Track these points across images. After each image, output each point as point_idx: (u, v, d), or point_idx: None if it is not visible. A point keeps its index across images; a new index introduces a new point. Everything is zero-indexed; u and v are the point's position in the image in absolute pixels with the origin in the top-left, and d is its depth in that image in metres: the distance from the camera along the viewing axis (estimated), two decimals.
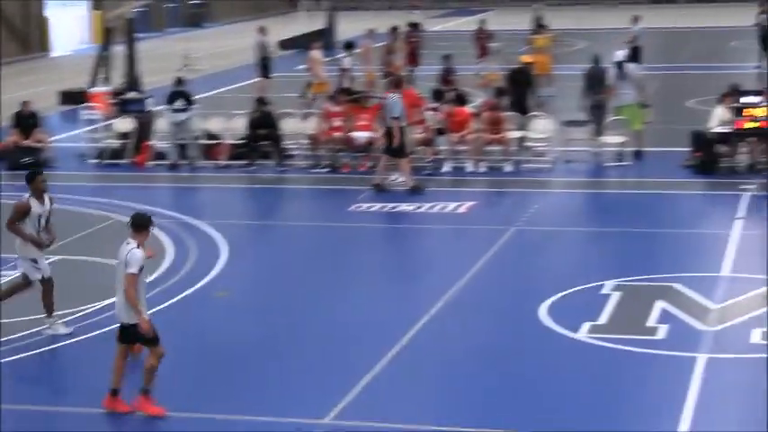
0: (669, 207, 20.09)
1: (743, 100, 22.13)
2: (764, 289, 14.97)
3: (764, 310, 14.19)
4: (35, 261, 14.13)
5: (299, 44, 47.59)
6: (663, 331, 13.66)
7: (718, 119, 22.08)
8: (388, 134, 21.26)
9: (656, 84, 31.67)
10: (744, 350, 13.04)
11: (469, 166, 22.80)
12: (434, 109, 23.79)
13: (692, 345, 13.18)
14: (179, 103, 24.30)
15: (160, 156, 24.65)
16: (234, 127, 24.80)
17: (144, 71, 31.16)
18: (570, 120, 23.87)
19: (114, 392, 11.73)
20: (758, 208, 19.40)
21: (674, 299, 14.71)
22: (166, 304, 15.04)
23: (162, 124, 25.00)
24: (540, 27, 33.62)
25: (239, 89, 35.85)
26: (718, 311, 14.27)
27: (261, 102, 24.56)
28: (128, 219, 12.08)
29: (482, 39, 34.45)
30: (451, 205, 20.23)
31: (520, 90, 24.34)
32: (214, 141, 24.66)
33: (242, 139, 24.37)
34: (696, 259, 16.74)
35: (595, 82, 23.87)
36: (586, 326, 13.85)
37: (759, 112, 21.60)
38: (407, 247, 18.67)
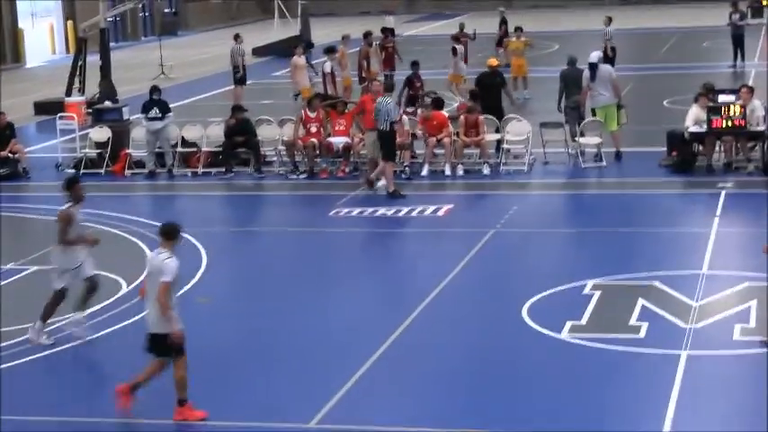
0: (647, 206, 20.17)
1: (719, 99, 22.24)
2: (744, 285, 15.03)
3: (745, 306, 14.25)
4: (63, 271, 14.05)
5: (273, 51, 47.64)
6: (644, 329, 13.71)
7: (693, 118, 22.18)
8: (383, 137, 21.18)
9: (631, 84, 31.82)
10: (726, 346, 13.10)
11: (447, 170, 22.82)
12: (411, 113, 23.80)
13: (674, 342, 13.23)
14: (155, 112, 24.23)
15: (137, 164, 24.58)
16: (211, 134, 24.76)
17: (119, 80, 31.11)
18: (547, 121, 23.93)
19: (181, 402, 11.64)
20: (735, 206, 19.50)
21: (654, 297, 14.77)
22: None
23: (138, 133, 24.93)
24: (515, 30, 33.65)
25: (215, 97, 35.82)
26: (699, 309, 14.34)
27: (237, 109, 24.53)
28: (158, 228, 12.02)
29: (463, 41, 34.46)
30: (430, 209, 20.25)
31: (491, 93, 24.34)
32: (191, 149, 24.62)
33: (219, 146, 24.34)
34: (676, 257, 16.80)
35: (572, 83, 23.94)
36: (568, 325, 13.89)
37: (734, 110, 21.71)
38: (388, 251, 18.68)
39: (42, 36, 53.64)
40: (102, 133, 25.13)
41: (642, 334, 13.59)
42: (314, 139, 23.32)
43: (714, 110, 21.79)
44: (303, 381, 12.60)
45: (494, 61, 25.59)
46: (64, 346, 14.03)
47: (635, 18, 53.22)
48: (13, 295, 16.40)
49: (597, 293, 15.09)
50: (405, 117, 23.34)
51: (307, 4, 49.05)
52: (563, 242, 18.59)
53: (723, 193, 20.26)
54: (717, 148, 22.11)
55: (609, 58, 31.08)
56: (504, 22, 39.24)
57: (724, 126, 21.72)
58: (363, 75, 30.94)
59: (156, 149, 24.35)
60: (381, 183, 21.65)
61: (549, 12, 62.64)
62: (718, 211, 19.10)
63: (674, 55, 42.18)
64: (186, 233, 18.79)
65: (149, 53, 48.46)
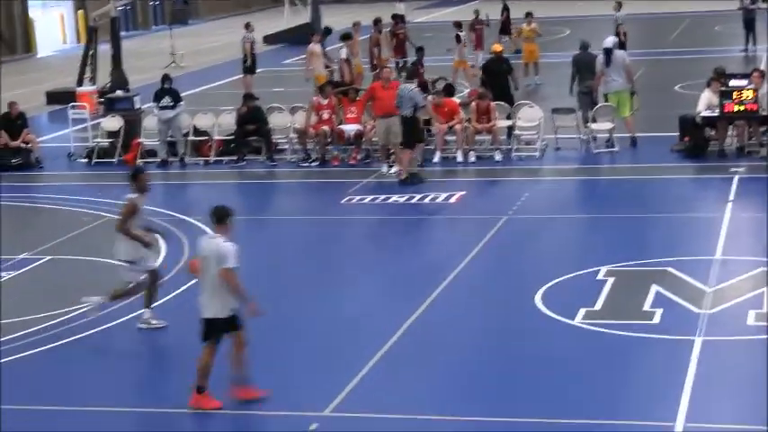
0: (660, 192, 20.13)
1: (730, 83, 22.17)
2: (759, 271, 14.99)
3: (759, 291, 14.22)
4: (131, 263, 14.03)
5: (284, 39, 47.63)
6: (658, 315, 13.69)
7: (705, 103, 22.11)
8: (407, 123, 21.16)
9: (643, 69, 31.72)
10: (740, 332, 13.08)
11: (459, 157, 22.80)
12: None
13: (689, 328, 13.21)
14: (166, 101, 24.23)
15: (149, 153, 24.61)
16: (222, 123, 24.77)
17: (130, 69, 31.14)
18: (558, 107, 23.88)
19: (242, 381, 11.67)
20: (748, 190, 19.45)
21: (668, 283, 14.74)
22: (162, 301, 15.02)
23: (150, 122, 24.96)
24: (526, 15, 33.57)
25: (226, 85, 35.82)
26: (713, 294, 14.31)
27: (249, 97, 24.53)
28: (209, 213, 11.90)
29: (478, 29, 34.39)
30: (443, 196, 20.23)
31: (498, 80, 24.28)
32: (203, 138, 24.64)
33: (231, 134, 24.36)
34: (689, 243, 16.77)
35: (584, 68, 23.87)
36: (582, 312, 13.88)
37: (746, 95, 21.64)
38: (400, 238, 18.67)
39: (53, 26, 53.71)
40: (113, 122, 25.16)
41: (656, 320, 13.58)
42: (325, 127, 23.31)
43: (726, 94, 21.72)
44: (317, 368, 12.61)
45: (498, 47, 25.56)
46: (78, 336, 14.07)
47: (646, 3, 53.01)
48: (28, 285, 16.45)
49: (611, 279, 15.07)
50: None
51: None
52: (576, 228, 18.58)
53: (736, 177, 20.21)
54: (729, 133, 22.06)
55: (621, 44, 30.97)
56: (506, 8, 39.12)
57: (736, 111, 21.65)
58: (375, 62, 30.90)
59: (168, 138, 24.37)
60: (394, 169, 21.65)
61: None
62: (731, 196, 19.05)
63: (686, 39, 42.06)
64: (199, 221, 18.99)
65: (160, 42, 48.48)
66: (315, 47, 30.15)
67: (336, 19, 46.88)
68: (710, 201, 19.34)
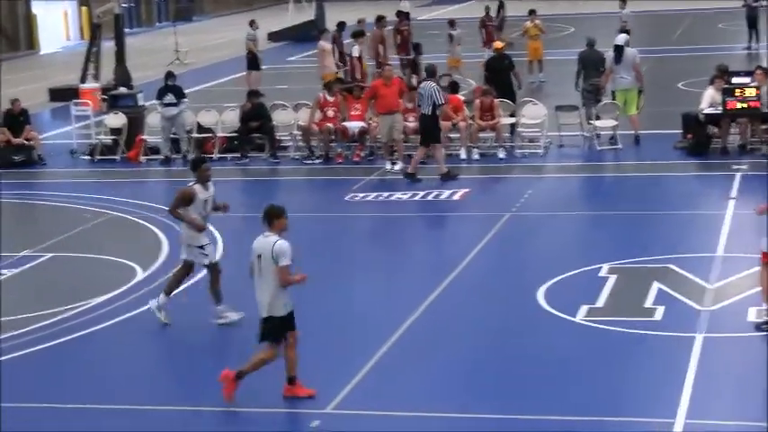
0: (662, 189, 20.13)
1: (732, 81, 22.16)
2: (759, 268, 14.97)
3: (760, 288, 14.20)
4: (202, 247, 14.09)
5: (288, 36, 47.66)
6: (660, 312, 13.70)
7: (708, 100, 22.11)
8: (425, 121, 21.15)
9: (646, 66, 31.66)
10: (741, 329, 13.09)
11: (462, 154, 22.81)
12: None
13: (690, 325, 13.23)
14: (170, 98, 24.25)
15: (152, 151, 24.63)
16: (226, 120, 24.79)
17: (133, 66, 31.15)
18: (562, 105, 23.88)
19: (291, 380, 11.75)
20: (750, 188, 19.44)
21: (670, 280, 14.76)
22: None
23: (153, 119, 24.99)
24: (529, 13, 33.56)
25: (230, 82, 35.84)
26: (715, 291, 14.32)
27: (253, 94, 24.54)
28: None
29: (488, 26, 34.34)
30: (446, 193, 20.25)
31: (500, 77, 24.26)
32: (206, 135, 24.65)
33: (234, 131, 24.37)
34: (691, 240, 16.78)
35: (590, 65, 23.87)
36: (584, 309, 13.90)
37: (749, 92, 21.63)
38: (404, 235, 18.69)
39: (56, 22, 53.74)
40: (117, 119, 25.17)
41: (658, 317, 13.59)
42: (329, 124, 23.32)
43: (729, 92, 21.71)
44: (320, 365, 12.61)
45: (499, 44, 25.58)
46: (78, 334, 14.10)
47: (649, 0, 52.96)
48: (29, 282, 16.47)
49: (613, 277, 15.08)
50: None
51: None
52: (578, 225, 18.58)
53: (738, 175, 20.21)
54: (732, 131, 22.05)
55: None
56: (501, 6, 39.10)
57: (739, 108, 21.65)
58: (378, 60, 30.87)
59: (172, 135, 24.39)
60: (398, 166, 21.67)
61: None
62: (734, 194, 19.05)
63: (689, 37, 42.05)
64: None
65: (164, 39, 48.50)
66: (325, 44, 30.04)
67: (340, 16, 46.81)
68: (713, 198, 19.35)
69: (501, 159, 22.65)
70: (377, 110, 22.33)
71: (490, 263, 16.35)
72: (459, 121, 22.78)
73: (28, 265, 17.13)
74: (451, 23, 33.21)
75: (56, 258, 17.30)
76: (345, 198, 20.25)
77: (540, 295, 14.50)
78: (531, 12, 33.53)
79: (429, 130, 21.15)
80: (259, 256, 11.74)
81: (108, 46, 31.34)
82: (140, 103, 25.88)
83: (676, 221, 17.96)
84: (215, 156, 24.04)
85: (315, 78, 29.32)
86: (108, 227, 19.26)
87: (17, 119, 24.79)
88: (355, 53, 28.84)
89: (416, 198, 20.08)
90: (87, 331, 14.11)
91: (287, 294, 11.70)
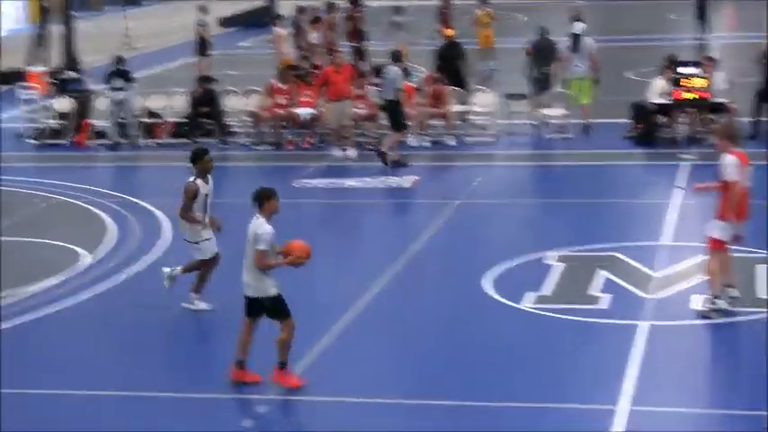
0: (610, 178, 20.27)
1: (681, 71, 22.31)
2: (702, 257, 15.10)
3: (702, 277, 14.34)
4: (197, 243, 13.89)
5: (239, 22, 47.37)
6: (605, 300, 13.79)
7: (658, 90, 22.25)
8: (387, 107, 21.19)
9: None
10: (685, 317, 13.20)
11: (413, 141, 22.82)
12: (375, 84, 23.76)
13: (635, 313, 13.32)
14: (118, 82, 24.09)
15: (100, 135, 24.45)
16: (175, 105, 24.65)
17: (82, 50, 30.84)
18: (512, 93, 23.94)
19: (240, 364, 11.69)
20: (697, 177, 19.57)
21: (616, 268, 14.85)
22: (113, 283, 14.99)
23: (101, 103, 24.80)
24: (481, 1, 33.57)
25: (179, 67, 35.59)
26: (659, 279, 14.44)
27: (204, 80, 24.43)
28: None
29: (445, 13, 34.30)
30: (396, 180, 20.25)
31: (452, 65, 24.29)
32: (155, 120, 24.50)
33: (184, 117, 24.24)
34: (637, 228, 16.90)
35: (542, 54, 23.91)
36: (530, 296, 13.96)
37: (697, 82, 21.79)
38: (353, 222, 18.68)
39: (5, 5, 53.06)
40: (64, 103, 24.95)
41: (603, 305, 13.68)
42: (280, 110, 23.25)
43: (677, 82, 21.86)
44: (266, 352, 12.55)
45: (449, 32, 25.61)
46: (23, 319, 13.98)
47: None
48: None
49: (560, 264, 15.16)
50: (370, 88, 23.33)
51: None
52: (527, 213, 18.64)
53: (685, 164, 20.37)
54: (681, 120, 22.20)
55: None
56: None
57: (687, 98, 21.81)
58: (330, 47, 30.77)
59: (120, 120, 24.22)
60: (348, 152, 21.67)
61: None
62: (680, 183, 19.20)
63: (639, 26, 42.23)
64: (150, 204, 18.93)
65: (113, 23, 48.06)
66: (281, 30, 29.94)
67: (293, 2, 46.73)
68: (660, 187, 19.48)
69: (451, 147, 22.68)
70: (328, 96, 22.28)
71: (439, 250, 16.38)
72: (409, 109, 22.75)
73: None
74: (397, 10, 33.18)
75: (2, 243, 17.09)
76: (295, 184, 20.20)
77: (488, 283, 14.54)
78: (483, 0, 33.53)
79: (393, 116, 21.19)
80: (248, 239, 11.75)
81: (56, 29, 31.02)
82: (89, 87, 25.66)
83: (624, 210, 18.09)
84: (164, 141, 23.90)
85: (267, 65, 29.20)
86: (54, 211, 19.09)
87: None
88: (313, 39, 28.76)
89: (366, 185, 20.06)
90: (30, 317, 13.98)
91: (271, 276, 11.65)
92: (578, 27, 23.87)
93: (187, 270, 14.17)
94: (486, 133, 23.28)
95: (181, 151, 23.24)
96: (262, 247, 11.58)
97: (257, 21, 45.29)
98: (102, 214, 18.50)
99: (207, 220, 13.97)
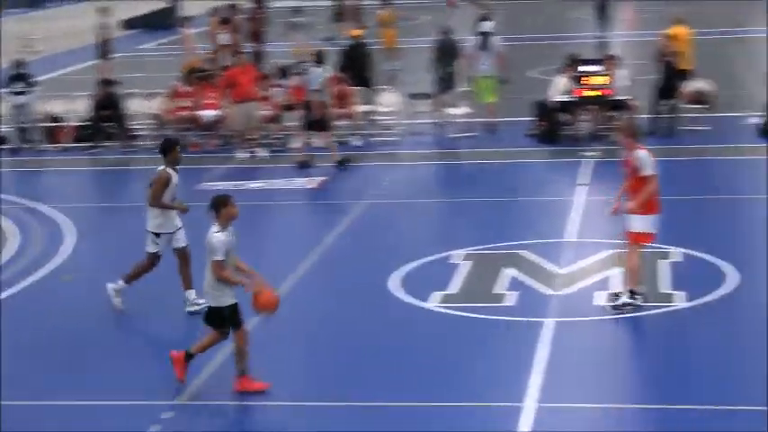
0: (514, 176, 20.44)
1: (582, 69, 22.58)
2: (608, 252, 15.31)
3: (608, 272, 14.53)
4: (158, 235, 13.71)
5: (141, 24, 46.95)
6: (512, 298, 13.89)
7: (560, 88, 22.50)
8: (308, 107, 21.15)
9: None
10: (590, 313, 13.35)
11: (318, 141, 22.77)
12: (279, 85, 23.72)
13: (540, 310, 13.44)
14: (19, 86, 23.76)
15: (1, 140, 24.04)
16: (77, 109, 24.35)
17: None
18: (416, 92, 24.03)
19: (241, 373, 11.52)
20: (599, 174, 19.86)
21: (521, 265, 14.98)
22: (15, 290, 14.75)
23: (2, 108, 24.40)
24: (383, 1, 33.66)
25: (81, 70, 35.15)
26: (564, 276, 14.59)
27: (106, 83, 24.17)
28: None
29: (342, 14, 34.25)
30: (301, 180, 20.22)
31: (358, 65, 24.33)
32: (57, 124, 24.17)
33: (86, 120, 23.94)
34: (542, 226, 17.05)
35: (445, 54, 24.01)
36: (436, 295, 14.01)
37: (598, 80, 22.09)
38: (257, 223, 18.55)
39: None
40: None
41: (509, 302, 13.77)
42: (183, 113, 23.08)
43: (579, 79, 22.13)
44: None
45: (356, 32, 25.65)
46: None
47: None
48: None
49: (466, 263, 15.24)
50: (274, 89, 23.28)
51: None
52: (432, 212, 18.73)
53: (588, 161, 20.63)
54: (582, 118, 22.48)
55: None
56: None
57: (589, 95, 22.09)
58: (234, 48, 30.57)
59: (21, 124, 23.87)
60: (258, 153, 21.69)
61: None
62: (584, 180, 19.43)
63: (541, 24, 42.67)
64: (52, 209, 18.66)
65: (13, 25, 47.33)
66: (188, 32, 29.75)
67: (197, 3, 46.40)
68: (563, 184, 19.69)
69: (356, 147, 22.70)
70: (233, 98, 22.17)
71: (344, 251, 16.37)
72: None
73: None
74: (296, 11, 33.14)
75: None
76: (198, 187, 20.03)
77: (394, 282, 14.57)
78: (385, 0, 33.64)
79: (318, 117, 21.16)
80: (206, 248, 11.61)
81: None
82: None
83: (528, 208, 18.25)
84: (66, 145, 23.59)
85: (170, 67, 28.95)
86: None
87: None
88: (222, 41, 28.58)
89: (271, 187, 19.99)
90: None
91: (228, 287, 11.49)
92: (487, 25, 24.04)
93: (131, 279, 14.00)
94: (391, 133, 23.34)
95: (83, 156, 23.02)
96: (218, 257, 11.43)
97: (160, 23, 44.99)
98: (4, 220, 18.18)
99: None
